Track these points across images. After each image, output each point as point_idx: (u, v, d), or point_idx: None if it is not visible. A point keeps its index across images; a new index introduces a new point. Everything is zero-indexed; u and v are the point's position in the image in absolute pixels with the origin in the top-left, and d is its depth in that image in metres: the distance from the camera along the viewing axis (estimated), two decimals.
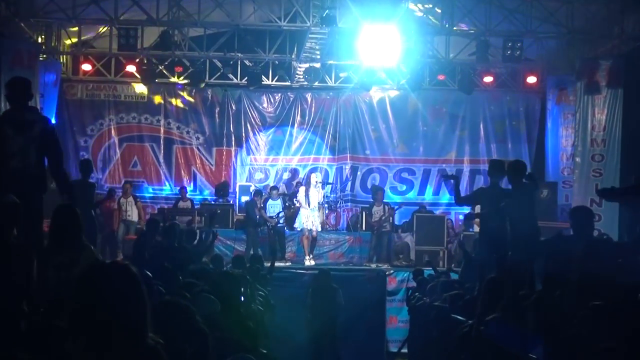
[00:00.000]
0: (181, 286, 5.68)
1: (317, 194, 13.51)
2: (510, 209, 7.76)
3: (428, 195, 16.99)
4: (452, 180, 10.39)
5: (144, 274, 5.78)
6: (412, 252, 14.32)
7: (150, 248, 8.55)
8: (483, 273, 7.63)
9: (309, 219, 13.30)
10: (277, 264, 13.16)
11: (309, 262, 13.30)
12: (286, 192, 15.28)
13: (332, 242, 14.72)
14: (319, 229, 13.72)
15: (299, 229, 13.59)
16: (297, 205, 13.61)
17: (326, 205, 15.43)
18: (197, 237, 10.86)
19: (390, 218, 14.76)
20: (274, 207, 14.31)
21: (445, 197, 16.81)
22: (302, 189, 13.60)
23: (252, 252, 13.73)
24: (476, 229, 14.06)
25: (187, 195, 15.56)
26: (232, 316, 4.83)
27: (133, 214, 14.45)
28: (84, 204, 10.60)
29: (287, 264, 13.56)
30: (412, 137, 17.14)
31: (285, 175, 16.89)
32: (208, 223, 12.47)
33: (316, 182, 13.62)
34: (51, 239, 5.21)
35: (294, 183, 15.91)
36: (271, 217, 14.15)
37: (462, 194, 10.30)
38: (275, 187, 15.04)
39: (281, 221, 14.08)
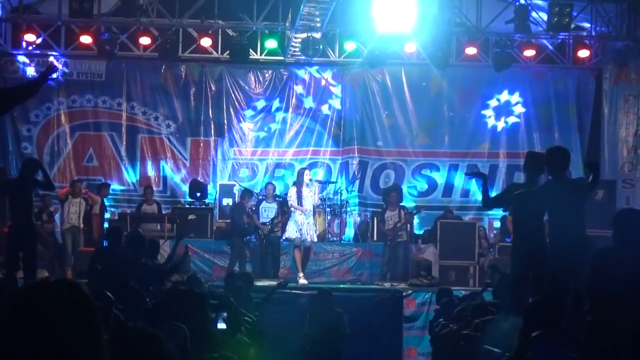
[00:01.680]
0: (149, 310, 5.67)
1: (311, 195, 13.45)
2: (550, 211, 7.69)
3: (455, 197, 16.99)
4: (478, 178, 10.33)
5: (104, 296, 5.77)
6: (436, 267, 14.32)
7: (114, 264, 8.53)
8: (518, 293, 7.60)
9: (302, 226, 13.25)
10: (267, 282, 13.16)
11: (301, 280, 13.28)
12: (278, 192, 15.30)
13: (335, 255, 14.72)
14: (315, 239, 13.67)
15: (291, 238, 13.53)
16: (290, 209, 13.53)
17: (329, 209, 15.42)
18: (167, 253, 10.82)
19: (408, 225, 14.74)
20: (269, 211, 14.28)
21: (477, 199, 16.77)
22: (292, 190, 13.54)
23: (237, 267, 13.71)
24: None
25: (154, 197, 15.56)
26: (205, 347, 4.81)
27: (80, 219, 14.42)
28: (21, 208, 10.62)
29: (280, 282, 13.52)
30: (436, 125, 17.13)
31: (278, 173, 16.90)
32: (180, 232, 12.45)
33: (310, 180, 13.58)
34: None
35: (289, 182, 15.90)
36: (264, 224, 14.12)
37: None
38: (270, 183, 15.02)
39: (275, 229, 14.05)
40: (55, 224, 14.78)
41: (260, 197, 14.95)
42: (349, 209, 16.12)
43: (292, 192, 13.49)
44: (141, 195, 16.10)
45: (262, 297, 10.28)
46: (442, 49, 15.89)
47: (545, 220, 8.07)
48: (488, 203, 8.99)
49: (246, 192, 14.92)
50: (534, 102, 17.03)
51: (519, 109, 17.08)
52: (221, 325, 6.69)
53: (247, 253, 14.35)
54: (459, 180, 16.96)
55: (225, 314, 6.80)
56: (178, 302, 5.23)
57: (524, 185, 8.67)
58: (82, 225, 14.38)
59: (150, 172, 16.73)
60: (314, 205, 13.73)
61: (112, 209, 16.20)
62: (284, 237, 13.85)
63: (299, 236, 13.28)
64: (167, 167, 16.79)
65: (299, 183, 13.54)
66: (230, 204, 15.58)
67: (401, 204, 15.19)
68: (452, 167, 17.04)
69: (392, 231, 14.38)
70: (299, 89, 17.08)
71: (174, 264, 9.85)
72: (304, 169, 14.23)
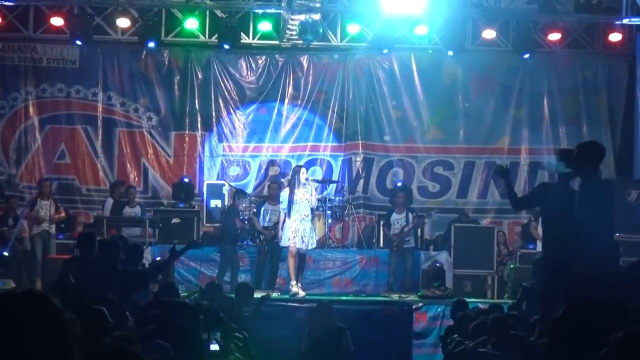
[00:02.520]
0: (129, 325, 5.65)
1: (307, 197, 13.29)
2: (578, 214, 7.71)
3: (471, 199, 16.97)
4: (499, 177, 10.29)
5: (96, 313, 5.74)
6: (449, 277, 14.29)
7: (89, 275, 8.51)
8: (550, 307, 7.57)
9: (297, 233, 13.15)
10: (262, 293, 13.11)
11: (295, 290, 13.21)
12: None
13: (337, 263, 14.68)
14: (312, 245, 13.57)
15: (285, 246, 13.47)
16: (282, 213, 13.42)
17: (329, 212, 15.40)
18: (151, 259, 10.81)
19: (418, 230, 14.69)
20: (271, 214, 14.22)
21: (496, 200, 16.80)
22: (285, 192, 13.43)
23: (227, 277, 13.66)
24: (539, 245, 14.07)
25: (136, 199, 15.50)
26: None
27: (51, 222, 14.39)
28: None
29: (275, 294, 13.51)
30: (450, 117, 17.12)
31: (273, 171, 16.89)
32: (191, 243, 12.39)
33: (307, 179, 13.48)
34: None
35: (284, 181, 15.87)
36: (266, 229, 14.08)
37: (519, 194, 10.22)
38: (275, 182, 14.93)
39: (279, 234, 13.97)
40: (24, 229, 14.74)
41: (258, 197, 14.90)
42: (352, 211, 16.09)
43: (284, 195, 13.31)
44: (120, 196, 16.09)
45: (251, 310, 10.24)
46: (456, 32, 15.87)
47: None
48: (518, 204, 8.96)
49: (238, 193, 14.88)
50: (559, 92, 16.99)
51: (543, 100, 17.04)
52: (214, 347, 6.66)
53: (241, 261, 14.33)
54: (475, 179, 16.94)
55: (218, 334, 6.78)
56: (168, 316, 5.19)
57: (556, 186, 8.65)
58: (53, 230, 14.35)
59: (130, 170, 16.71)
60: (311, 208, 13.58)
61: (88, 212, 16.17)
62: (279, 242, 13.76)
63: (294, 244, 13.16)
64: (148, 164, 16.76)
65: (292, 184, 13.40)
66: (219, 205, 15.54)
67: (410, 205, 15.13)
68: (467, 165, 17.00)
69: (400, 236, 14.32)
70: (296, 77, 17.04)
71: (157, 265, 9.79)
72: (299, 166, 14.14)
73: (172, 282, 10.45)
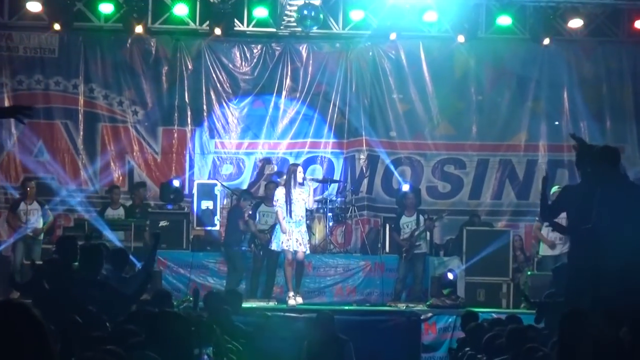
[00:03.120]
0: (110, 337, 5.62)
1: (303, 198, 13.26)
2: (599, 221, 7.68)
3: (485, 200, 16.97)
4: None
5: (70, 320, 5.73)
6: (461, 285, 14.28)
7: (66, 282, 8.49)
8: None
9: (292, 234, 13.11)
10: (258, 303, 13.11)
11: (293, 301, 13.19)
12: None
13: (339, 270, 14.68)
14: (307, 251, 13.55)
15: (277, 250, 13.43)
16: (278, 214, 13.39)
17: (330, 214, 15.39)
18: (136, 265, 10.75)
19: (428, 233, 14.69)
20: (268, 216, 14.20)
21: (512, 201, 16.82)
22: (279, 191, 13.38)
23: (238, 284, 13.67)
24: (558, 250, 14.06)
25: (120, 200, 15.50)
26: None
27: (38, 225, 14.37)
28: None
29: (271, 303, 13.50)
30: (461, 111, 17.12)
31: (269, 169, 16.87)
32: (151, 244, 12.41)
33: (303, 178, 13.46)
34: None
35: (281, 180, 15.85)
36: (262, 232, 14.05)
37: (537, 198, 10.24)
38: (273, 182, 14.90)
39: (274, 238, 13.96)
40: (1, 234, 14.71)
41: (253, 199, 14.87)
42: (355, 213, 16.07)
43: (280, 195, 13.28)
44: (102, 197, 16.06)
45: (250, 321, 10.21)
46: (469, 18, 15.86)
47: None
48: (549, 215, 8.96)
49: (244, 194, 14.87)
50: (581, 84, 16.96)
51: (563, 92, 17.03)
52: None
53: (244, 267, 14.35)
54: (489, 178, 16.93)
55: (210, 349, 6.77)
56: (157, 328, 5.18)
57: (580, 187, 8.64)
58: (41, 236, 14.31)
59: (113, 169, 16.70)
60: (307, 210, 13.52)
61: (68, 214, 16.14)
62: (272, 248, 13.68)
63: (288, 247, 13.09)
64: (134, 162, 16.75)
65: (288, 183, 13.34)
66: (211, 207, 15.53)
67: (419, 207, 15.11)
68: (480, 163, 16.99)
69: (409, 241, 14.31)
70: (294, 67, 17.02)
71: (143, 279, 9.74)
72: (296, 164, 14.09)
73: (166, 290, 10.43)
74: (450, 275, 13.98)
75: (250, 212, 14.49)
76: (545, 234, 14.23)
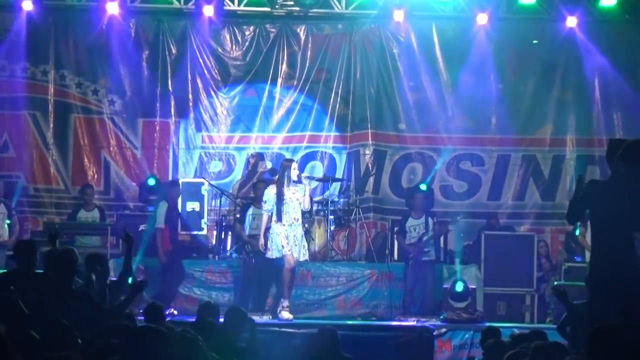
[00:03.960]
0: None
1: (298, 198, 13.18)
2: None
3: (506, 201, 16.94)
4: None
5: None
6: (479, 297, 14.26)
7: (28, 293, 8.44)
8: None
9: (289, 238, 13.01)
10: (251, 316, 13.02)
11: (287, 313, 13.09)
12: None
13: (341, 279, 14.63)
14: (303, 256, 13.46)
15: (277, 257, 13.34)
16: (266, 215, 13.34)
17: (332, 217, 15.35)
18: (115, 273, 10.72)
19: (440, 239, 14.63)
20: (259, 219, 14.12)
21: (536, 202, 16.79)
22: (270, 190, 13.27)
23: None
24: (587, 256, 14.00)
25: (94, 201, 15.46)
26: None
27: (3, 232, 14.35)
28: None
29: (265, 318, 13.45)
30: (479, 101, 17.05)
31: (262, 167, 16.85)
32: (124, 248, 12.39)
33: (298, 176, 13.39)
34: None
35: (276, 179, 15.79)
36: (253, 237, 14.01)
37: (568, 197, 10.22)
38: (262, 181, 14.80)
39: (267, 244, 13.91)
40: None
41: (248, 200, 14.85)
42: (359, 216, 16.03)
43: (270, 195, 13.11)
44: (75, 198, 16.05)
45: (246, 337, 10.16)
46: None
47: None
48: (572, 218, 8.92)
49: (262, 182, 14.85)
50: (614, 70, 16.91)
51: (594, 80, 17.00)
52: None
53: (223, 277, 14.33)
54: (511, 176, 16.88)
55: None
56: (136, 345, 5.14)
57: (608, 185, 8.60)
58: (7, 240, 14.28)
59: (87, 165, 16.68)
60: (303, 212, 13.36)
61: (36, 216, 16.18)
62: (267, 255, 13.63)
63: (290, 252, 13.01)
64: (110, 158, 16.73)
65: (280, 181, 13.24)
66: (197, 209, 15.50)
67: (430, 209, 15.06)
68: (501, 159, 16.97)
69: (418, 247, 14.26)
70: (291, 51, 17.00)
71: (126, 298, 9.67)
72: (290, 160, 13.99)
73: (159, 304, 10.38)
74: (459, 286, 13.91)
75: (238, 216, 14.42)
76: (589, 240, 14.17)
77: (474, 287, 14.22)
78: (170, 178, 16.44)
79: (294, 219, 13.05)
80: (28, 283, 8.73)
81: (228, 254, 14.79)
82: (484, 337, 11.32)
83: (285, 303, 13.15)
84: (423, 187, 15.76)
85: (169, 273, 13.93)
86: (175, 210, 14.49)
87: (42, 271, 9.16)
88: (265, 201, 13.12)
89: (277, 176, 14.26)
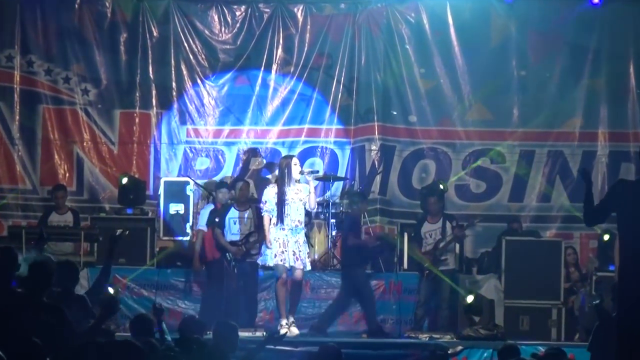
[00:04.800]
0: None
1: (301, 199, 13.17)
2: None
3: (529, 202, 16.93)
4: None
5: None
6: (499, 310, 14.27)
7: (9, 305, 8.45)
8: (626, 350, 7.50)
9: (287, 246, 13.01)
10: (241, 333, 13.00)
11: (287, 329, 13.10)
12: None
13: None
14: (308, 266, 13.48)
15: (270, 266, 13.32)
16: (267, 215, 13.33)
17: (334, 221, 15.35)
18: (88, 286, 10.70)
19: (456, 245, 14.65)
20: (240, 222, 14.15)
21: (563, 204, 16.75)
22: (269, 192, 13.28)
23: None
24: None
25: (66, 202, 15.44)
26: None
27: None
28: None
29: (258, 334, 13.44)
30: (499, 91, 17.10)
31: (255, 164, 16.88)
32: (105, 253, 12.40)
33: (301, 172, 13.38)
34: None
35: (271, 177, 15.78)
36: (234, 243, 14.01)
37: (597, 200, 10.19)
38: (245, 181, 14.80)
39: (253, 251, 13.94)
40: None
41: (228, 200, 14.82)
42: (365, 219, 15.96)
43: (270, 195, 13.10)
44: (44, 199, 16.07)
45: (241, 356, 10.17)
46: None
47: None
48: (590, 217, 8.92)
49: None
50: None
51: (628, 66, 16.98)
52: None
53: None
54: (535, 174, 16.87)
55: None
56: None
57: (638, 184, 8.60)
58: None
59: (58, 163, 16.68)
60: (307, 214, 13.43)
61: (1, 220, 16.21)
62: (260, 264, 13.65)
63: (283, 262, 13.01)
64: (84, 155, 16.73)
65: (281, 180, 13.20)
66: (182, 212, 15.51)
67: (446, 212, 15.04)
68: (524, 155, 16.96)
69: (432, 254, 14.25)
70: (287, 34, 17.01)
71: (98, 318, 9.66)
72: (290, 156, 14.01)
73: (148, 317, 10.35)
74: (469, 298, 13.92)
75: (217, 220, 14.37)
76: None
77: (492, 299, 14.25)
78: (151, 176, 16.43)
79: (298, 221, 12.98)
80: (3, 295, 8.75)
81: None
82: (501, 357, 11.36)
83: (283, 321, 13.08)
84: (443, 186, 15.72)
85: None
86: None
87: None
88: (265, 202, 13.10)
89: (276, 173, 14.30)
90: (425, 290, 14.32)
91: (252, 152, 16.96)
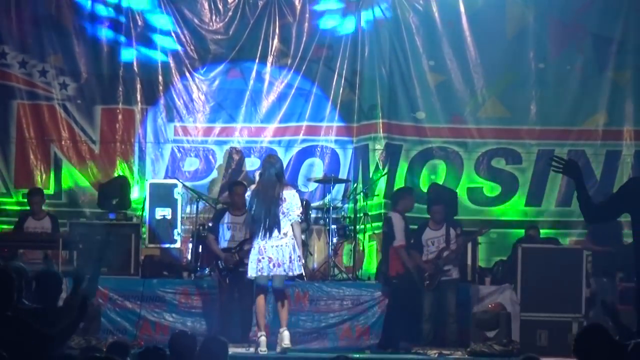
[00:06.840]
0: None
1: (287, 202, 13.16)
2: None
3: (548, 206, 16.99)
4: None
5: None
6: (515, 324, 14.29)
7: None
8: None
9: (264, 251, 12.94)
10: (233, 350, 13.08)
11: (284, 344, 13.09)
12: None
13: (346, 303, 14.65)
14: (297, 270, 13.25)
15: (251, 276, 13.27)
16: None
17: (334, 227, 15.42)
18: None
19: (468, 254, 14.68)
20: (235, 229, 14.17)
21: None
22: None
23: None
24: None
25: (43, 207, 15.47)
26: None
27: None
28: None
29: (251, 350, 13.50)
30: (516, 85, 17.17)
31: (249, 164, 16.91)
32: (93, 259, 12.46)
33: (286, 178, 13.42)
34: None
35: (257, 175, 15.78)
36: (227, 251, 14.06)
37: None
38: (240, 184, 14.78)
39: (247, 260, 13.92)
40: None
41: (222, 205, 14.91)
42: (368, 225, 16.05)
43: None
44: (18, 203, 16.20)
45: None
46: None
47: None
48: (591, 214, 8.95)
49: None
50: None
51: None
52: None
53: (195, 301, 14.41)
54: (554, 176, 16.85)
55: None
56: None
57: None
58: None
59: (34, 163, 16.75)
60: (296, 219, 13.00)
61: None
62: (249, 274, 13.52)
63: (261, 272, 12.84)
64: (62, 154, 16.81)
65: (268, 181, 13.09)
66: (168, 216, 15.58)
67: (454, 217, 15.06)
68: (542, 155, 16.96)
69: (434, 265, 14.23)
70: (284, 23, 17.09)
71: (76, 314, 9.76)
72: (271, 155, 13.96)
73: (124, 342, 10.44)
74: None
75: (210, 225, 14.42)
76: None
77: (508, 312, 14.29)
78: (135, 178, 16.47)
79: (283, 233, 12.84)
80: None
81: (207, 272, 14.75)
82: None
83: (259, 333, 12.92)
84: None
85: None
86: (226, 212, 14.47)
87: None
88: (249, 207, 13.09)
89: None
90: (427, 302, 14.32)
91: (246, 152, 16.99)
